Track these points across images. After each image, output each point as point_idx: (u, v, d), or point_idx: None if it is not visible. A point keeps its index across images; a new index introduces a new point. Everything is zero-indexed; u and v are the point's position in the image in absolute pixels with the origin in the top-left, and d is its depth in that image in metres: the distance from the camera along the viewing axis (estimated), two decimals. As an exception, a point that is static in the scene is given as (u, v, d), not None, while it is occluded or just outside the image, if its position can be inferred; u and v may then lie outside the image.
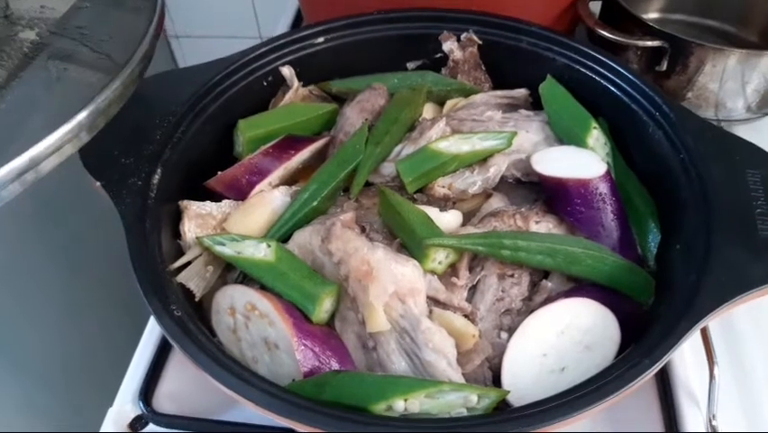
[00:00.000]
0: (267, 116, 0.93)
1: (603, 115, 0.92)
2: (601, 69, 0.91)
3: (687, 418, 0.77)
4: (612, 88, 0.91)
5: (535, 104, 0.95)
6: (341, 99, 0.98)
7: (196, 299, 0.76)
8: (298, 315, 0.71)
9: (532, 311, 0.73)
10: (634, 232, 0.83)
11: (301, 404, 0.60)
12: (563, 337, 0.70)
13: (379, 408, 0.61)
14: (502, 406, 0.65)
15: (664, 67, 1.09)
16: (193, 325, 0.68)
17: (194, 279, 0.77)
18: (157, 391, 0.85)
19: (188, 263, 0.77)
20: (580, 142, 0.87)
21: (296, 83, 0.95)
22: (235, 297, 0.73)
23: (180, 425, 0.80)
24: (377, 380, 0.65)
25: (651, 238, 0.82)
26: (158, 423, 0.80)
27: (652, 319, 0.70)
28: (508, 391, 0.65)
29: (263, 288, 0.75)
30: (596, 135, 0.89)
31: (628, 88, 0.90)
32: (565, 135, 0.90)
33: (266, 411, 0.59)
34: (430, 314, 0.71)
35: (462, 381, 0.66)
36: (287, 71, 0.96)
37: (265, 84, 0.96)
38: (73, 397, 1.30)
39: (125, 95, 0.72)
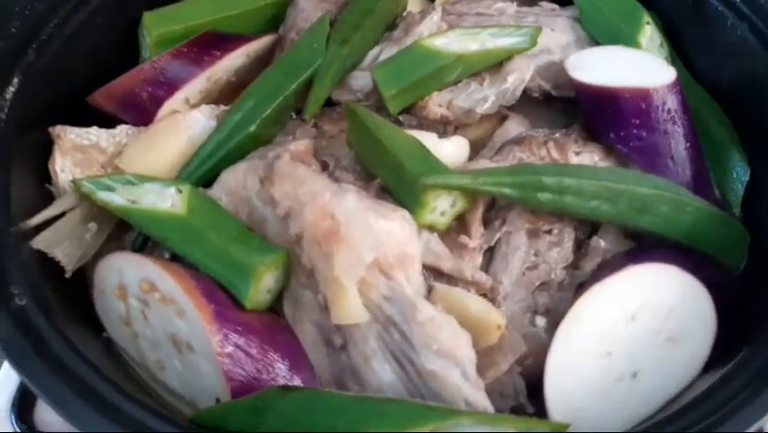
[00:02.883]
0: (184, 7, 0.76)
1: (655, 8, 0.77)
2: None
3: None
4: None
5: None
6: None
7: (68, 274, 0.59)
8: (222, 298, 0.55)
9: (580, 285, 0.58)
10: (708, 167, 0.69)
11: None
12: (635, 326, 0.54)
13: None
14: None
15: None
16: (44, 320, 0.50)
17: (63, 243, 0.59)
18: (38, 405, 0.69)
19: (56, 219, 0.60)
20: (626, 42, 0.73)
21: (228, -40, 0.79)
22: (125, 270, 0.56)
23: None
24: (349, 404, 0.48)
25: (735, 176, 0.69)
26: (37, 446, 0.67)
27: (748, 292, 0.59)
28: (567, 426, 0.47)
29: (175, 258, 0.58)
30: (650, 33, 0.74)
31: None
32: (604, 35, 0.75)
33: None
34: (430, 293, 0.55)
35: (488, 403, 0.49)
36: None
37: (184, -41, 0.78)
38: None
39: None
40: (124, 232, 0.63)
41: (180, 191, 0.58)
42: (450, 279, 0.55)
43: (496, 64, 0.69)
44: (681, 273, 0.54)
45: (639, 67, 0.67)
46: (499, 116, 0.72)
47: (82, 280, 0.60)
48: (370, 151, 0.62)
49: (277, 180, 0.55)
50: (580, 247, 0.61)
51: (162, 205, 0.57)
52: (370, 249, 0.50)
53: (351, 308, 0.50)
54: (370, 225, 0.52)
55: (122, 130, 0.66)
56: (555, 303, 0.56)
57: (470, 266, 0.56)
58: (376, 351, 0.50)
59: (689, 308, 0.54)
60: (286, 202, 0.54)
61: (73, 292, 0.58)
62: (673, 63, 0.73)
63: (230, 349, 0.51)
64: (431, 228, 0.57)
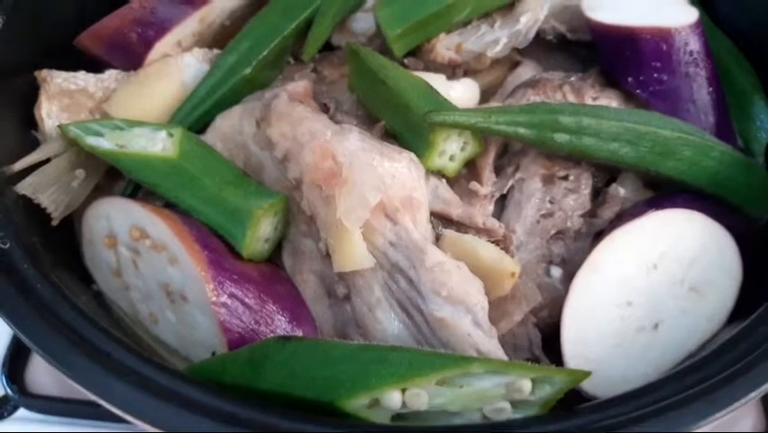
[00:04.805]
0: None
1: None
2: None
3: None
4: None
5: None
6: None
7: (54, 222, 0.56)
8: (217, 246, 0.52)
9: (598, 234, 0.54)
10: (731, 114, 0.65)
11: (215, 408, 0.40)
12: (657, 274, 0.51)
13: (357, 403, 0.42)
14: (570, 396, 0.44)
15: None
16: (30, 264, 0.47)
17: (49, 189, 0.56)
18: (30, 365, 0.67)
19: (41, 164, 0.56)
20: None
21: None
22: (113, 217, 0.53)
23: (62, 410, 0.64)
24: (352, 352, 0.45)
25: (759, 124, 0.65)
26: (30, 407, 0.65)
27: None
28: (588, 374, 0.43)
29: (167, 207, 0.55)
30: None
31: None
32: None
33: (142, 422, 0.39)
34: (438, 240, 0.51)
35: (502, 352, 0.46)
36: None
37: None
38: None
39: None
40: (114, 181, 0.60)
41: (172, 135, 0.55)
42: (460, 226, 0.52)
43: (508, 3, 0.65)
44: (705, 220, 0.51)
45: (660, 7, 0.63)
46: (511, 62, 0.68)
47: (70, 229, 0.57)
48: (374, 93, 0.58)
49: (274, 120, 0.52)
50: (598, 195, 0.57)
51: (153, 149, 0.54)
52: (375, 191, 0.47)
53: (354, 254, 0.47)
54: (374, 167, 0.48)
55: (110, 74, 0.63)
56: (571, 253, 0.53)
57: (482, 213, 0.52)
58: (381, 300, 0.47)
59: (714, 258, 0.51)
60: (284, 143, 0.51)
61: (60, 242, 0.55)
62: (694, 5, 0.68)
63: (225, 298, 0.48)
64: (439, 174, 0.54)
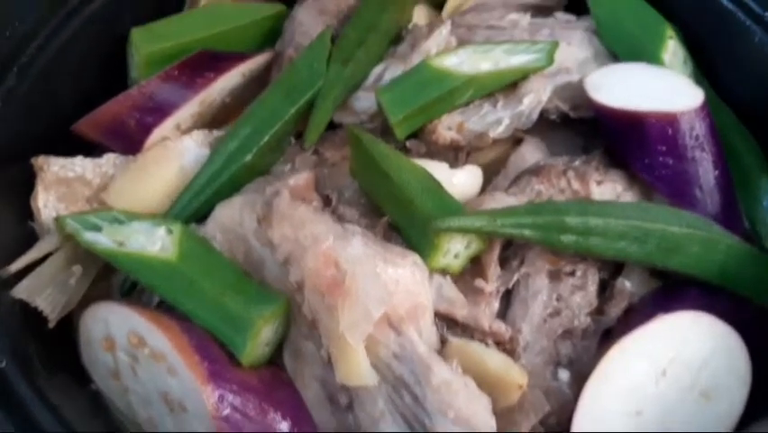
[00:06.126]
0: (176, 22, 0.72)
1: (678, 21, 0.72)
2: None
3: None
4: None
5: (574, 6, 0.76)
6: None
7: (51, 324, 0.54)
8: (217, 353, 0.50)
9: (607, 332, 0.54)
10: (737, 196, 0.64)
11: None
12: (667, 381, 0.50)
13: None
14: None
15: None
16: (26, 386, 0.46)
17: (45, 290, 0.54)
18: None
19: (38, 263, 0.55)
20: (648, 58, 0.68)
21: (222, -28, 0.77)
22: (111, 322, 0.51)
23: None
24: None
25: (765, 205, 0.64)
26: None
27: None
28: None
29: (162, 303, 0.54)
30: (673, 48, 0.70)
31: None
32: (624, 49, 0.70)
33: None
34: (444, 346, 0.50)
35: None
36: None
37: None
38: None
39: None
40: (112, 271, 0.58)
41: (171, 231, 0.53)
42: (465, 327, 0.51)
43: (510, 84, 0.64)
44: (714, 323, 0.50)
45: (664, 87, 0.62)
46: (514, 138, 0.66)
47: (68, 326, 0.55)
48: (377, 183, 0.57)
49: (275, 222, 0.50)
50: (605, 288, 0.56)
51: (151, 248, 0.52)
52: (379, 303, 0.45)
53: (358, 370, 0.45)
54: (378, 274, 0.47)
55: (108, 159, 0.62)
56: (579, 353, 0.52)
57: (487, 314, 0.51)
58: (385, 413, 0.46)
59: (723, 362, 0.50)
60: (285, 246, 0.50)
61: (57, 342, 0.53)
62: (698, 81, 0.69)
63: (226, 412, 0.46)
64: (443, 271, 0.52)
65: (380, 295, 0.46)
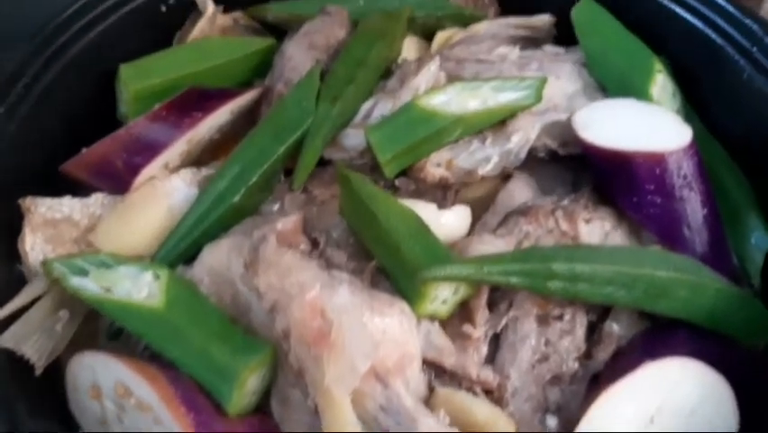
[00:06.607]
0: (165, 58, 0.72)
1: (666, 53, 0.73)
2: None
3: None
4: (683, 13, 0.72)
5: (563, 37, 0.77)
6: (280, 31, 0.79)
7: (38, 372, 0.54)
8: (203, 403, 0.50)
9: (594, 376, 0.54)
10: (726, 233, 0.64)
11: None
12: (654, 429, 0.49)
13: None
14: None
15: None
16: None
17: (32, 337, 0.54)
18: None
19: (25, 309, 0.55)
20: (637, 92, 0.68)
21: (211, 6, 0.77)
22: (98, 371, 0.51)
23: None
24: None
25: (753, 242, 0.64)
26: None
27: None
28: None
29: (149, 348, 0.53)
30: (661, 82, 0.70)
31: (708, 12, 0.70)
32: (613, 83, 0.71)
33: None
34: (431, 395, 0.50)
35: None
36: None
37: (164, 9, 0.76)
38: None
39: None
40: (99, 313, 0.56)
41: (157, 277, 0.53)
42: (453, 375, 0.51)
43: (499, 121, 0.64)
44: (702, 370, 0.50)
45: (652, 125, 0.62)
46: (503, 173, 0.66)
47: (55, 368, 0.55)
48: (365, 225, 0.57)
49: (261, 270, 0.50)
50: (593, 331, 0.56)
51: (138, 295, 0.52)
52: (365, 357, 0.45)
53: (344, 421, 0.45)
54: (365, 324, 0.47)
55: (96, 199, 0.62)
56: (567, 399, 0.52)
57: (475, 361, 0.51)
58: (372, 464, 0.46)
59: (711, 409, 0.49)
60: (271, 294, 0.50)
61: (44, 388, 0.53)
62: (686, 115, 0.70)
63: (212, 464, 0.46)
64: (432, 317, 0.52)
65: (367, 348, 0.46)
